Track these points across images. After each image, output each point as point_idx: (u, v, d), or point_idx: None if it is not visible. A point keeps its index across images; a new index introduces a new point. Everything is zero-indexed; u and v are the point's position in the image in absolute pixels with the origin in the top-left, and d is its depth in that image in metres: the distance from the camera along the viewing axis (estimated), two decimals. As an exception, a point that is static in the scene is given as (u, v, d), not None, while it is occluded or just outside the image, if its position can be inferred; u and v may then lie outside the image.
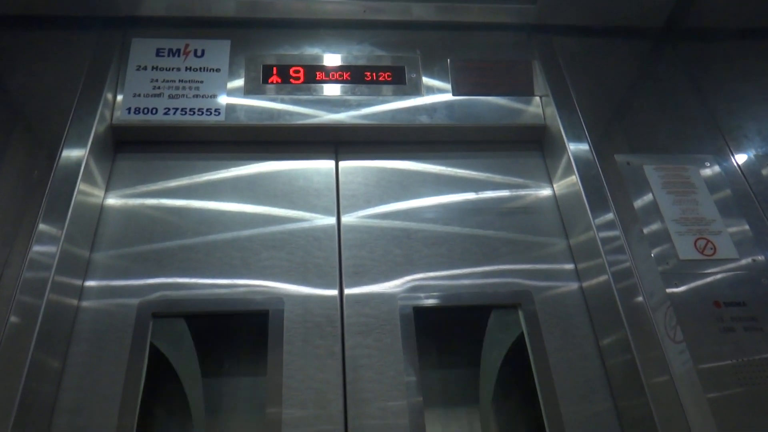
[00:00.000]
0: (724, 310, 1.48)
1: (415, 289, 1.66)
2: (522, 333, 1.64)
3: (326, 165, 1.89)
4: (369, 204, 1.81)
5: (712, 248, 1.58)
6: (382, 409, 1.48)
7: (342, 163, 1.90)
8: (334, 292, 1.65)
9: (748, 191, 1.73)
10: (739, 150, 1.82)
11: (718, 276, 1.54)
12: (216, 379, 1.64)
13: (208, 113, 1.85)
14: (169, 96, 1.87)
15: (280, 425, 1.45)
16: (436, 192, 1.85)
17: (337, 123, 1.87)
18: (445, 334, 1.73)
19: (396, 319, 1.61)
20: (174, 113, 1.84)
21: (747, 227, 1.64)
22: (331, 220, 1.77)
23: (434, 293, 1.66)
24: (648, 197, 1.67)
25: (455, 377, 1.71)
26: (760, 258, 1.58)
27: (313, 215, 1.78)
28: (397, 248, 1.73)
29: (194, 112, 1.85)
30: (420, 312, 1.63)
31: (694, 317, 1.46)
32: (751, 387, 1.39)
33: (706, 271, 1.55)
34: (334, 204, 1.80)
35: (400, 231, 1.76)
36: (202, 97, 1.88)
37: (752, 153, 1.81)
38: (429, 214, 1.80)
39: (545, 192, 1.89)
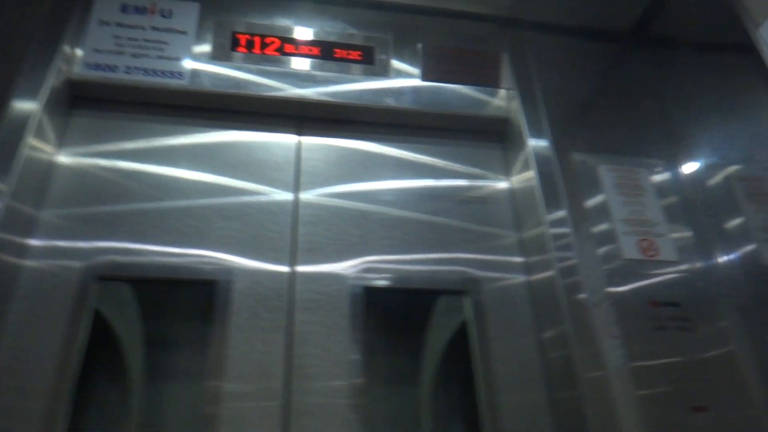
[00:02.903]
0: (660, 309, 1.53)
1: (367, 269, 1.67)
2: (466, 320, 1.67)
3: (288, 139, 1.87)
4: (328, 182, 1.81)
5: (654, 250, 1.63)
6: (324, 386, 1.50)
7: (304, 139, 1.88)
8: (286, 267, 1.65)
9: (692, 199, 1.77)
10: (689, 158, 1.86)
11: (658, 277, 1.58)
12: (160, 347, 1.62)
13: (171, 76, 1.81)
14: (131, 54, 1.82)
15: (221, 397, 1.45)
16: (395, 175, 1.86)
17: (302, 98, 1.85)
18: (394, 316, 1.74)
19: (346, 297, 1.62)
20: (135, 73, 1.80)
21: (688, 233, 1.69)
22: (289, 196, 1.76)
23: (386, 275, 1.67)
24: (599, 196, 1.71)
25: (400, 359, 1.72)
26: (698, 262, 1.64)
27: (271, 189, 1.77)
28: (353, 228, 1.74)
29: (157, 74, 1.81)
30: (370, 293, 1.64)
31: (631, 315, 1.51)
32: (679, 385, 1.45)
33: (646, 272, 1.59)
34: (292, 179, 1.79)
35: (357, 212, 1.77)
36: (166, 59, 1.83)
37: (700, 163, 1.85)
38: (387, 196, 1.81)
39: (502, 184, 1.91)
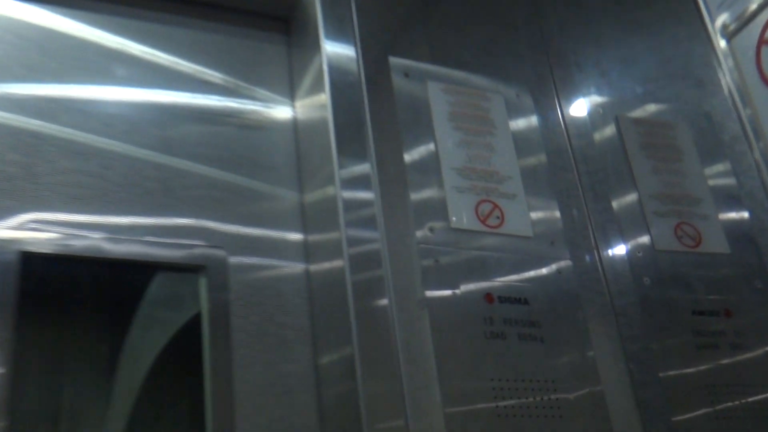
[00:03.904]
0: (497, 307, 1.16)
1: (32, 227, 1.13)
2: (201, 315, 1.15)
3: None
4: (-19, 74, 1.16)
5: (498, 217, 1.24)
6: None
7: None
8: None
9: (566, 149, 1.38)
10: (567, 88, 1.44)
11: (499, 258, 1.20)
12: None
13: None
14: None
15: None
16: (105, 76, 1.25)
17: None
18: (75, 301, 1.19)
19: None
20: None
21: (551, 195, 1.32)
22: None
23: (65, 237, 1.13)
24: (426, 132, 1.25)
25: (85, 374, 1.17)
26: (562, 243, 1.26)
27: None
28: (15, 154, 1.15)
29: None
30: (32, 263, 1.09)
31: (453, 317, 1.11)
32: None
33: (483, 251, 1.19)
34: None
35: (28, 131, 1.17)
36: None
37: (583, 98, 1.45)
38: (87, 109, 1.21)
39: (282, 111, 1.40)
